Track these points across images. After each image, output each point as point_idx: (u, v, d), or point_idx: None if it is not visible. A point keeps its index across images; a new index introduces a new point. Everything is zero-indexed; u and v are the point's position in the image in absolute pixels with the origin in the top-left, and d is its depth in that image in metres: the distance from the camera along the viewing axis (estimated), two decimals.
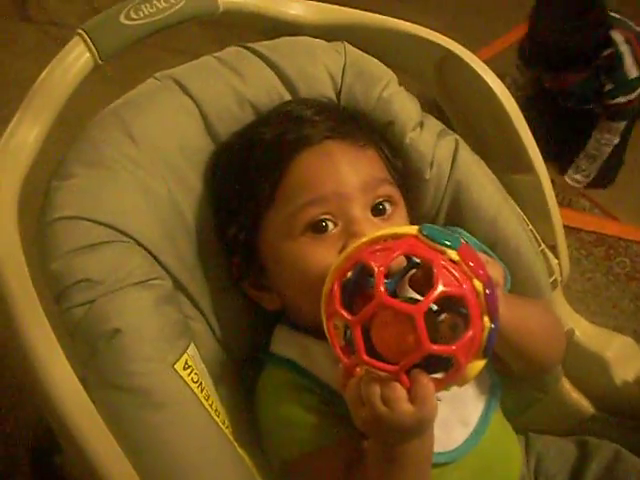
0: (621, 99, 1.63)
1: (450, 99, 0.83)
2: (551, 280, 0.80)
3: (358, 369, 0.54)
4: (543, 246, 0.80)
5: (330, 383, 0.64)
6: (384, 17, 0.78)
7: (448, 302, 0.53)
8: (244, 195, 0.67)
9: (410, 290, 0.57)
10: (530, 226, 0.79)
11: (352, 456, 0.61)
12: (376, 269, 0.52)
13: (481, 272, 0.54)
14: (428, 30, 0.77)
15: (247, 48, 0.76)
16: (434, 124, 0.77)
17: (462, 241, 0.55)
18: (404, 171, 0.73)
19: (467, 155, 0.77)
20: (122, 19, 0.68)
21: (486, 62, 0.79)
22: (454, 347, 0.51)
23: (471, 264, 0.54)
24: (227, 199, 0.69)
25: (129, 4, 0.68)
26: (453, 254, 0.54)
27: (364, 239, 0.57)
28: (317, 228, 0.64)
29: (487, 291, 0.53)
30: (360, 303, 0.54)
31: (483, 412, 0.72)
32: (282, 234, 0.65)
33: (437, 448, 0.67)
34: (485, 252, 0.73)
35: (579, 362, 0.82)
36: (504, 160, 0.81)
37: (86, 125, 0.68)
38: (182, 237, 0.68)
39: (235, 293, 0.72)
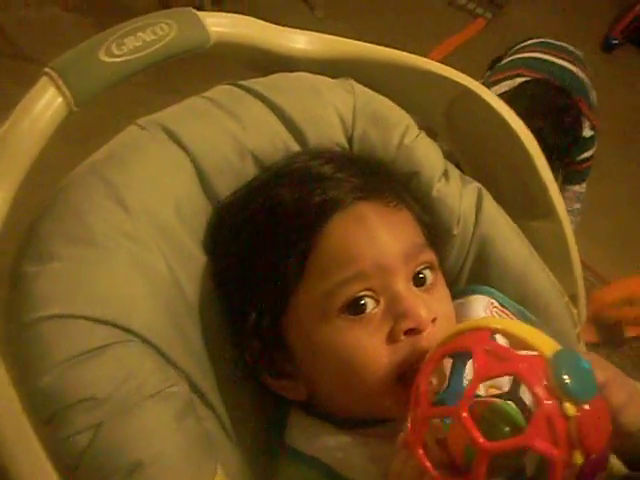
0: (583, 156, 1.65)
1: (461, 141, 0.76)
2: (576, 333, 0.74)
3: None
4: (567, 298, 0.74)
5: None
6: (394, 51, 0.69)
7: None
8: (264, 272, 0.56)
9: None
10: (553, 278, 0.73)
11: None
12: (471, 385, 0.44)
13: (595, 439, 0.43)
14: (442, 66, 0.69)
15: (241, 87, 0.65)
16: (455, 172, 0.69)
17: (596, 392, 0.43)
18: (432, 227, 0.64)
19: (491, 206, 0.70)
20: (102, 55, 0.55)
21: None
22: None
23: (586, 435, 0.42)
24: (241, 277, 0.58)
25: (109, 37, 0.56)
26: (571, 409, 0.42)
27: (492, 323, 0.48)
28: (355, 308, 0.54)
29: (585, 462, 0.43)
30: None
31: None
32: (315, 316, 0.55)
33: None
34: (524, 314, 0.66)
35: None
36: (520, 205, 0.74)
37: (61, 184, 0.55)
38: (188, 323, 0.57)
39: (247, 383, 0.61)
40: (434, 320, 0.54)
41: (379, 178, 0.60)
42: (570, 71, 1.66)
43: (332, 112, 0.65)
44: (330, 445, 0.57)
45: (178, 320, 0.55)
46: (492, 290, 0.66)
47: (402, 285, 0.55)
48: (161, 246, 0.56)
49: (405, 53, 0.69)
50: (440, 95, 0.71)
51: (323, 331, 0.54)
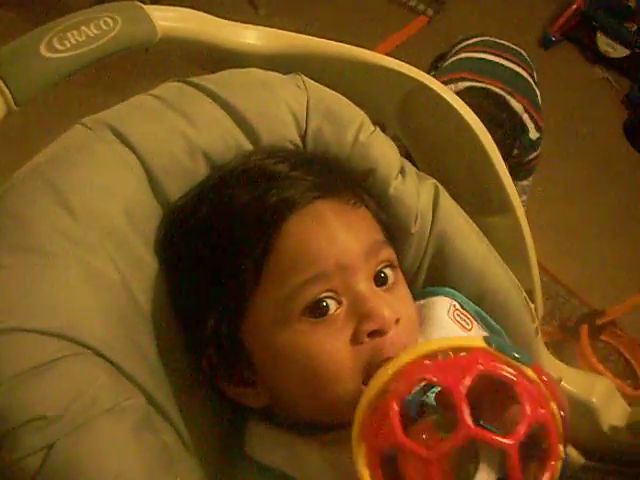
0: (530, 157, 1.65)
1: (414, 137, 0.74)
2: (534, 327, 0.74)
3: None
4: (524, 294, 0.74)
5: None
6: (345, 45, 0.67)
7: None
8: (220, 277, 0.53)
9: None
10: (512, 275, 0.73)
11: None
12: (456, 393, 0.42)
13: (556, 391, 0.46)
14: (396, 61, 0.68)
15: (190, 84, 0.62)
16: (411, 168, 0.68)
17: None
18: (389, 225, 0.63)
19: (448, 202, 0.69)
20: (43, 51, 0.52)
21: None
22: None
23: (545, 379, 0.46)
24: (195, 284, 0.55)
25: (50, 31, 0.53)
26: (530, 371, 0.46)
27: (421, 351, 0.46)
28: (317, 310, 0.52)
29: (562, 414, 0.46)
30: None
31: None
32: (275, 320, 0.52)
33: None
34: (480, 315, 0.66)
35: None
36: (475, 201, 0.73)
37: (1, 189, 0.51)
38: (142, 333, 0.54)
39: (205, 392, 0.58)
40: (397, 321, 0.53)
41: (335, 176, 0.59)
42: (515, 72, 1.65)
43: (285, 109, 0.63)
44: (292, 455, 0.55)
45: (131, 330, 0.52)
46: (453, 291, 0.66)
47: (364, 285, 0.53)
48: (111, 252, 0.53)
49: (356, 47, 0.68)
50: (392, 90, 0.70)
51: (284, 335, 0.52)
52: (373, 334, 0.52)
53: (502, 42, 1.72)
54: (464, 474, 0.44)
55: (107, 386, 0.47)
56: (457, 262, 0.67)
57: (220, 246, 0.54)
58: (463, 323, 0.63)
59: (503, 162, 0.71)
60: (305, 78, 0.66)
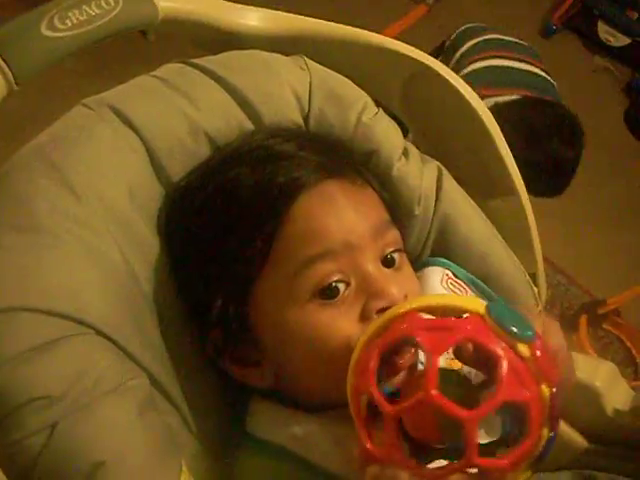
0: None
1: (418, 119, 0.74)
2: (538, 311, 0.74)
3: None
4: (527, 277, 0.73)
5: (333, 470, 0.53)
6: (348, 27, 0.67)
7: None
8: (227, 259, 0.53)
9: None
10: (516, 258, 0.72)
11: None
12: (429, 358, 0.42)
13: (552, 372, 0.45)
14: (400, 43, 0.67)
15: (192, 65, 0.62)
16: (415, 151, 0.68)
17: (535, 331, 0.45)
18: (392, 206, 0.62)
19: (451, 185, 0.68)
20: (44, 30, 0.52)
21: None
22: (505, 461, 0.43)
23: (539, 355, 0.44)
24: (202, 265, 0.55)
25: (52, 10, 0.52)
26: (524, 349, 0.44)
27: (414, 304, 0.46)
28: (328, 293, 0.52)
29: (553, 390, 0.45)
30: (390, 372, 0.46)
31: None
32: (283, 299, 0.52)
33: None
34: (474, 283, 0.66)
35: (569, 394, 0.76)
36: (479, 184, 0.73)
37: (2, 169, 0.51)
38: (145, 314, 0.54)
39: (208, 373, 0.58)
40: (406, 297, 0.53)
41: (341, 156, 0.59)
42: (536, 74, 1.61)
43: (287, 90, 0.62)
44: (294, 431, 0.55)
45: (134, 311, 0.52)
46: (446, 261, 0.66)
47: (372, 265, 0.53)
48: (114, 233, 0.52)
49: (359, 30, 0.67)
50: (396, 73, 0.69)
51: (293, 314, 0.52)
52: (382, 311, 0.52)
53: (506, 38, 1.67)
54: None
55: (111, 366, 0.47)
56: (460, 244, 0.67)
57: (227, 227, 0.54)
58: (457, 291, 0.63)
59: (507, 146, 0.71)
60: (308, 60, 0.66)
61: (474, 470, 0.43)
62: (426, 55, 0.68)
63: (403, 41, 0.68)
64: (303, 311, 0.52)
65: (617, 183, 2.04)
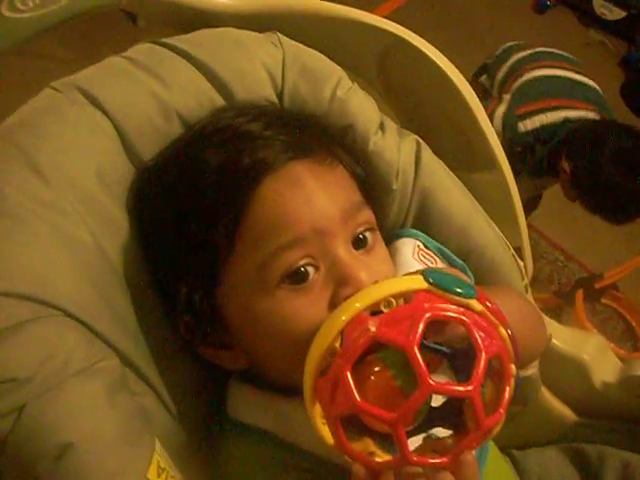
0: None
1: (396, 94, 0.73)
2: (523, 285, 0.73)
3: None
4: (512, 250, 0.73)
5: (315, 451, 0.52)
6: (321, 2, 0.66)
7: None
8: (192, 243, 0.52)
9: None
10: (498, 230, 0.72)
11: None
12: (411, 353, 0.41)
13: (501, 313, 0.46)
14: (373, 16, 0.66)
15: (163, 44, 0.61)
16: (392, 124, 0.67)
17: (472, 284, 0.47)
18: (368, 181, 0.61)
19: (430, 158, 0.67)
20: (4, 10, 0.51)
21: None
22: (502, 410, 0.44)
23: (489, 305, 0.46)
24: (168, 249, 0.54)
25: None
26: (476, 304, 0.45)
27: (360, 303, 0.44)
28: (296, 277, 0.50)
29: (509, 332, 0.46)
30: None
31: None
32: (252, 288, 0.51)
33: None
34: (443, 252, 0.65)
35: (558, 368, 0.76)
36: (461, 158, 0.72)
37: None
38: (116, 295, 0.53)
39: (184, 355, 0.57)
40: (376, 283, 0.52)
41: (311, 134, 0.57)
42: (595, 89, 1.58)
43: (260, 67, 0.61)
44: (273, 414, 0.55)
45: (105, 292, 0.51)
46: (416, 232, 0.65)
47: (342, 249, 0.52)
48: (83, 215, 0.52)
49: (331, 4, 0.66)
50: (371, 46, 0.68)
51: (263, 302, 0.51)
52: None
53: (555, 51, 1.65)
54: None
55: (79, 348, 0.47)
56: (441, 218, 0.67)
57: (191, 211, 0.52)
58: (428, 263, 0.62)
59: (487, 118, 0.70)
60: (281, 36, 0.65)
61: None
62: (400, 27, 0.67)
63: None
64: (272, 298, 0.51)
65: None
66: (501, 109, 1.55)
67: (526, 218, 1.80)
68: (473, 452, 0.43)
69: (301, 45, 0.65)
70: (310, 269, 0.51)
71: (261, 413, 0.56)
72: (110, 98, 0.56)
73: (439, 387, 0.40)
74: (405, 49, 0.67)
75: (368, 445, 0.45)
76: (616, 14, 2.25)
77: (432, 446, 0.45)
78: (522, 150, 1.55)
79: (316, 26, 0.67)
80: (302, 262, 0.50)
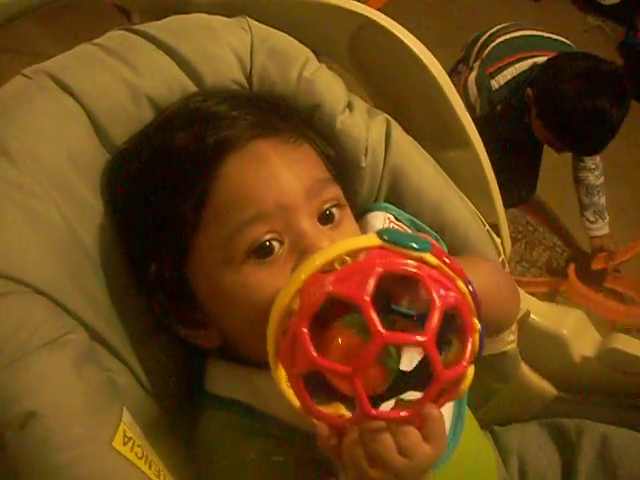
0: None
1: (368, 75, 0.74)
2: (499, 260, 0.74)
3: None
4: (487, 226, 0.74)
5: (288, 420, 0.54)
6: None
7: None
8: (161, 221, 0.54)
9: None
10: (473, 207, 0.73)
11: None
12: (363, 304, 0.41)
13: (459, 268, 0.47)
14: None
15: (133, 31, 0.62)
16: (361, 104, 0.68)
17: (429, 238, 0.47)
18: (338, 160, 0.63)
19: (401, 136, 0.68)
20: None
21: None
22: (465, 364, 0.44)
23: (447, 261, 0.46)
24: (138, 229, 0.55)
25: None
26: (430, 257, 0.45)
27: (316, 262, 0.45)
28: (261, 252, 0.52)
29: (470, 288, 0.47)
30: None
31: (456, 405, 0.64)
32: (219, 263, 0.53)
33: None
34: (415, 224, 0.66)
35: (537, 344, 0.77)
36: (433, 135, 0.73)
37: None
38: (88, 274, 0.54)
39: (159, 334, 0.59)
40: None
41: (278, 114, 0.58)
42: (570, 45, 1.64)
43: (228, 51, 0.63)
44: (249, 387, 0.56)
45: (76, 270, 0.53)
46: (387, 205, 0.66)
47: (306, 223, 0.53)
48: (54, 196, 0.53)
49: None
50: (341, 28, 0.69)
51: (229, 277, 0.52)
52: None
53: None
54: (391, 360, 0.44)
55: (47, 322, 0.48)
56: (413, 195, 0.68)
57: (159, 189, 0.54)
58: None
59: (458, 96, 0.71)
60: (250, 20, 0.66)
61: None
62: (369, 8, 0.68)
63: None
64: (238, 273, 0.52)
65: (613, 142, 2.01)
66: (473, 75, 1.62)
67: (526, 202, 1.82)
68: (441, 409, 0.44)
69: (270, 28, 0.66)
70: (275, 243, 0.52)
71: (235, 385, 0.57)
72: (80, 84, 0.57)
73: (391, 336, 0.41)
74: (374, 30, 0.68)
75: (339, 409, 0.46)
76: None
77: (401, 408, 0.46)
78: (503, 108, 1.60)
79: (286, 10, 0.68)
80: (267, 237, 0.52)
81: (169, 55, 0.61)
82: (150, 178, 0.55)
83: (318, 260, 0.45)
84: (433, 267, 0.45)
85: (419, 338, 0.41)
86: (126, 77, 0.59)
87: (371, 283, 0.42)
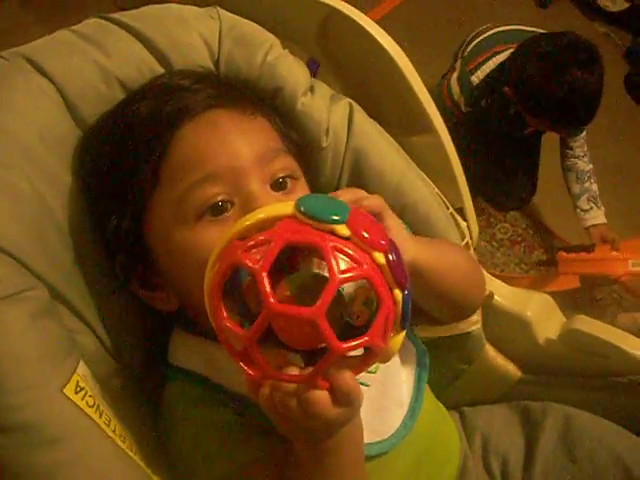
0: None
1: (336, 62, 0.77)
2: (463, 243, 0.76)
3: None
4: (451, 209, 0.76)
5: (242, 392, 0.56)
6: None
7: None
8: (122, 181, 0.57)
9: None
10: (436, 190, 0.75)
11: (282, 463, 0.54)
12: (257, 274, 0.42)
13: (379, 240, 0.46)
14: None
15: (108, 19, 0.66)
16: (325, 89, 0.71)
17: (349, 207, 0.46)
18: (299, 141, 0.66)
19: (363, 119, 0.72)
20: None
21: None
22: (367, 337, 0.44)
23: (365, 234, 0.46)
24: (102, 189, 0.59)
25: None
26: (342, 229, 0.45)
27: (233, 230, 0.47)
28: (213, 211, 0.55)
29: (391, 258, 0.46)
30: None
31: (415, 386, 0.66)
32: (172, 220, 0.56)
33: (375, 437, 0.62)
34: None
35: (501, 326, 0.78)
36: (399, 122, 0.76)
37: None
38: (55, 239, 0.57)
39: (123, 297, 0.62)
40: None
41: (237, 89, 0.62)
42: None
43: (197, 37, 0.66)
44: (206, 359, 0.60)
45: (44, 236, 0.56)
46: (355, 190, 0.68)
47: (255, 185, 0.56)
48: (24, 168, 0.56)
49: None
50: (308, 18, 0.73)
51: (181, 235, 0.56)
52: None
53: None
54: None
55: (7, 278, 0.51)
56: (375, 176, 0.70)
57: (123, 154, 0.58)
58: None
59: (422, 83, 0.74)
60: (220, 10, 0.69)
61: (358, 353, 0.44)
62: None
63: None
64: (190, 230, 0.55)
65: (618, 147, 2.02)
66: (455, 74, 1.64)
67: (528, 204, 1.82)
68: (355, 378, 0.44)
69: (238, 17, 0.70)
70: (226, 204, 0.55)
71: (195, 357, 0.60)
72: (54, 65, 0.61)
73: (281, 308, 0.42)
74: (340, 20, 0.72)
75: (296, 360, 0.46)
76: (619, 5, 2.25)
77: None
78: (487, 102, 1.63)
79: (257, 1, 0.72)
80: (218, 198, 0.55)
81: (140, 41, 0.65)
82: (115, 143, 0.59)
83: (235, 228, 0.47)
84: (345, 239, 0.45)
85: (308, 310, 0.42)
86: (98, 60, 0.63)
87: (271, 256, 0.43)
